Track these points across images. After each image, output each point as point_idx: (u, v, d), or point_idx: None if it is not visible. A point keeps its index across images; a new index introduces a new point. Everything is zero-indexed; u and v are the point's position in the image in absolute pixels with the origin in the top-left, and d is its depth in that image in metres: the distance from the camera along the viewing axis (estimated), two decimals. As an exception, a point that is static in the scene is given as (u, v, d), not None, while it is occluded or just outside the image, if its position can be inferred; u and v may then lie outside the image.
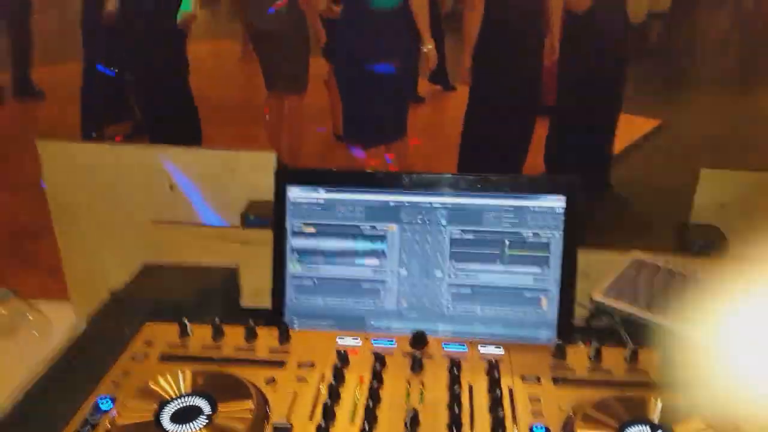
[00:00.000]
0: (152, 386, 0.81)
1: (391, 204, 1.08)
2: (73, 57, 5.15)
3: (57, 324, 1.30)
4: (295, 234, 1.10)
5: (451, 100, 6.36)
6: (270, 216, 1.20)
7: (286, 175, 1.12)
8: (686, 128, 5.91)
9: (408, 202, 1.08)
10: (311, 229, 1.10)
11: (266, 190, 1.34)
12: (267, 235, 1.18)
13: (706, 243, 1.22)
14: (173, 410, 0.78)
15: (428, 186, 1.08)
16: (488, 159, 3.86)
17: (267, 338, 0.94)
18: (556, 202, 1.04)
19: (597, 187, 4.39)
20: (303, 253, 1.10)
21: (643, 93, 6.29)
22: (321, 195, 1.10)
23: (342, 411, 0.81)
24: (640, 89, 6.15)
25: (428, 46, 3.62)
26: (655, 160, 5.23)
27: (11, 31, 5.86)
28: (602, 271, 1.14)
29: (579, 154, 4.21)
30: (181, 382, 0.81)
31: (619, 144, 4.71)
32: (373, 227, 1.09)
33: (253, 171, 1.40)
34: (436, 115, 6.16)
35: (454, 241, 1.07)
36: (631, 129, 5.34)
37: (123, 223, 1.33)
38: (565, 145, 4.28)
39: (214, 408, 0.78)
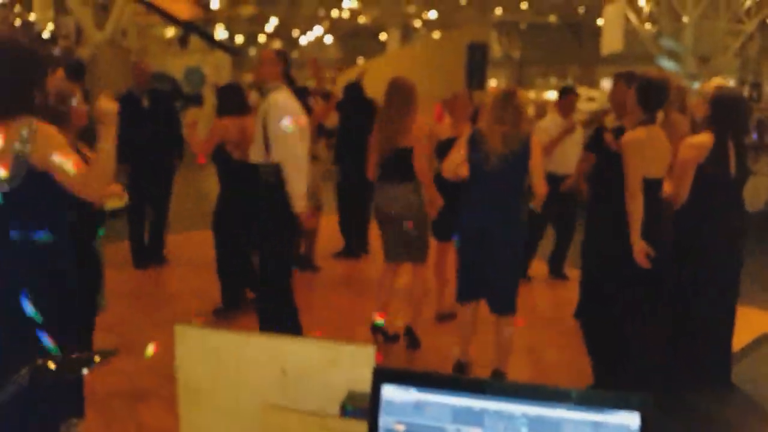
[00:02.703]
0: None
1: (476, 409, 1.18)
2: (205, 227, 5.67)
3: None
4: (387, 431, 1.21)
5: (560, 288, 6.30)
6: (365, 408, 1.32)
7: (382, 375, 1.25)
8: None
9: (492, 409, 1.17)
10: (401, 427, 1.21)
11: (363, 382, 1.47)
12: (361, 427, 1.30)
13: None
14: None
15: (510, 394, 1.17)
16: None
17: None
18: (631, 419, 1.11)
19: (720, 386, 4.18)
20: (393, 450, 1.21)
21: (763, 287, 6.07)
22: (412, 395, 1.21)
23: None
24: (761, 282, 5.95)
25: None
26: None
27: (154, 209, 6.59)
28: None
29: (698, 350, 4.08)
30: None
31: (739, 340, 4.52)
32: (458, 430, 1.18)
33: (353, 364, 1.54)
34: (543, 300, 6.15)
35: (533, 450, 1.14)
36: (751, 324, 5.11)
37: (239, 405, 1.50)
38: (683, 342, 4.15)
39: None
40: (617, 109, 4.72)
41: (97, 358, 1.29)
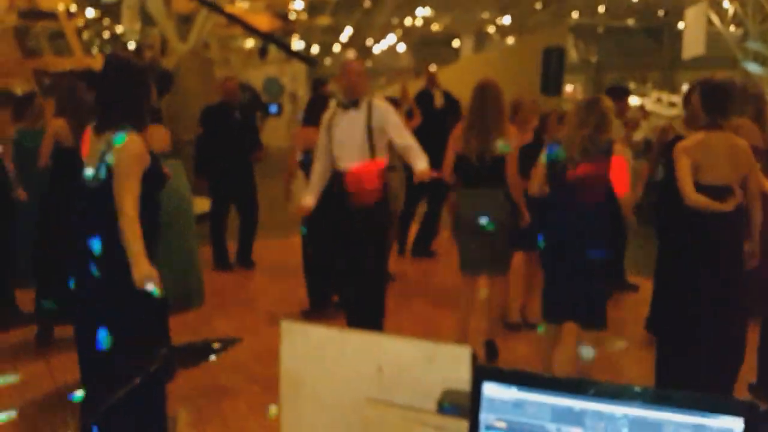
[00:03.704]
0: None
1: (576, 409, 1.20)
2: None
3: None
4: (488, 428, 1.25)
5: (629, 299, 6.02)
6: (462, 406, 1.36)
7: (483, 372, 1.29)
8: None
9: (592, 410, 1.20)
10: (502, 425, 1.25)
11: (460, 381, 1.52)
12: (459, 424, 1.34)
13: None
14: None
15: (611, 395, 1.19)
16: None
17: None
18: (735, 424, 1.11)
19: None
20: (493, 446, 1.24)
21: None
22: (513, 393, 1.25)
23: None
24: None
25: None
26: None
27: (241, 215, 6.81)
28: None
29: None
30: None
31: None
32: (559, 429, 1.21)
33: (449, 362, 1.58)
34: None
35: (634, 451, 1.16)
36: None
37: (338, 399, 1.57)
38: None
39: None
40: (691, 117, 4.64)
41: (216, 345, 1.38)
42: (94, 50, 24.89)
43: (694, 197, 3.50)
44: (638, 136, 8.36)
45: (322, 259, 5.28)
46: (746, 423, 1.11)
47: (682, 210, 3.61)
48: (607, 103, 3.82)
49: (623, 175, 3.75)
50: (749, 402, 1.13)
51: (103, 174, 2.60)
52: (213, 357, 1.31)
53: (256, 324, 5.12)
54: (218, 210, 6.72)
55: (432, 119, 6.66)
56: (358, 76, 4.31)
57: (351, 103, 4.31)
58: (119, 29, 23.59)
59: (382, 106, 4.32)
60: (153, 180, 2.69)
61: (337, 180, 4.39)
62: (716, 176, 3.55)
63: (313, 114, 5.30)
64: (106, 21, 25.99)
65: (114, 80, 2.70)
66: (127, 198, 2.54)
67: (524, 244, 4.91)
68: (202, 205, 7.65)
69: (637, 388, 1.19)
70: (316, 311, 5.38)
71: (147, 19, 19.38)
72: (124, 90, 2.68)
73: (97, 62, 14.48)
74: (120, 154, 2.58)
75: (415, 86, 7.83)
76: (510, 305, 5.20)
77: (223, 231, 6.74)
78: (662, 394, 1.17)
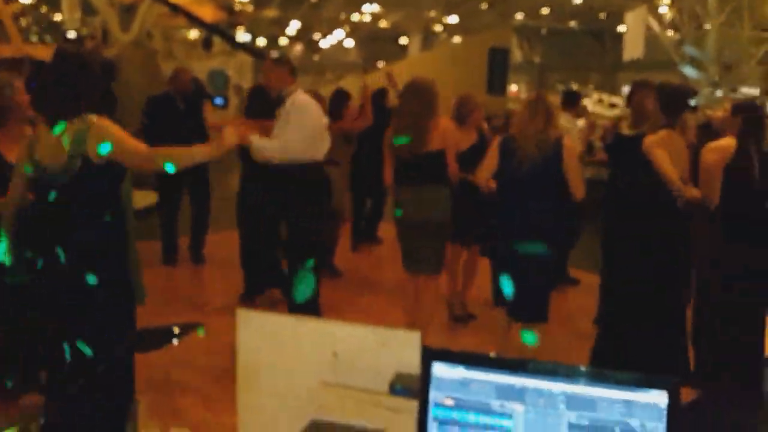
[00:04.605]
0: None
1: (518, 386, 1.30)
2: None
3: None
4: (437, 405, 1.34)
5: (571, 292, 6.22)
6: (413, 388, 1.45)
7: (431, 354, 1.38)
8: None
9: (532, 387, 1.30)
10: (450, 402, 1.34)
11: (410, 364, 1.60)
12: (411, 404, 1.43)
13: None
14: None
15: (549, 373, 1.30)
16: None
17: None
18: (660, 398, 1.23)
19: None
20: (442, 423, 1.33)
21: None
22: (460, 372, 1.34)
23: None
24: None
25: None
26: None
27: (192, 207, 6.74)
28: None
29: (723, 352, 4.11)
30: None
31: None
32: (502, 405, 1.31)
33: (401, 347, 1.66)
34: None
35: (571, 426, 1.27)
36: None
37: (294, 385, 1.63)
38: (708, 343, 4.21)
39: None
40: (638, 117, 4.84)
41: (176, 330, 1.42)
42: (33, 38, 24.08)
43: (683, 186, 3.75)
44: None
45: (258, 247, 5.32)
46: (669, 396, 1.23)
47: (631, 205, 3.87)
48: (551, 98, 4.01)
49: (576, 172, 3.85)
50: (672, 378, 1.24)
51: (77, 164, 2.57)
52: (175, 341, 1.35)
53: (205, 318, 5.09)
54: (168, 203, 6.62)
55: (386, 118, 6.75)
56: (268, 75, 4.45)
57: (277, 99, 4.39)
58: (58, 17, 22.90)
59: (297, 101, 4.37)
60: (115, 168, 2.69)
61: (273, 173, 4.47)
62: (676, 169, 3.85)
63: (251, 106, 5.36)
64: (44, 9, 25.19)
65: (67, 72, 2.68)
66: (138, 151, 2.62)
67: (464, 238, 5.08)
68: (146, 198, 7.49)
69: (574, 367, 1.29)
70: (250, 297, 5.42)
71: (88, 8, 18.85)
72: (78, 81, 2.67)
73: (36, 50, 14.02)
74: (101, 130, 2.59)
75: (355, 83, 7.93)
76: (452, 298, 5.33)
77: (173, 225, 6.64)
78: (596, 373, 1.28)
